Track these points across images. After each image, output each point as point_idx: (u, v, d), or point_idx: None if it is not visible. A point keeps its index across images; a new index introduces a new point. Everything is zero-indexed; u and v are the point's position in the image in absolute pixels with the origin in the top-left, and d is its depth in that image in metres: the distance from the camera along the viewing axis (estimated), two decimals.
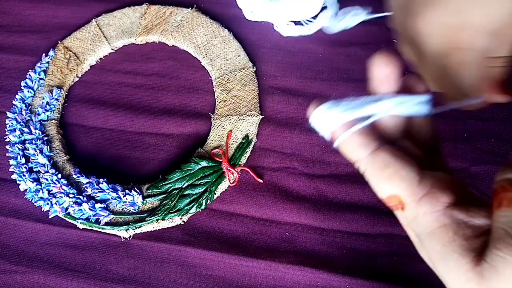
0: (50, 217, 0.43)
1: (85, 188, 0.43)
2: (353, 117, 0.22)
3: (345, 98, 0.22)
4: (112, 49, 0.53)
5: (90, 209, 0.42)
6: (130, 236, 0.42)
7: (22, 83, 0.50)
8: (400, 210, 0.21)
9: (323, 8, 0.50)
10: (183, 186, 0.43)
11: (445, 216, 0.20)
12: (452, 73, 0.23)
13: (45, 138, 0.47)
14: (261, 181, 0.43)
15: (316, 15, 0.50)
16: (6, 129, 0.48)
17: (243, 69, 0.49)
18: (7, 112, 0.48)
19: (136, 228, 0.42)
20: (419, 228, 0.21)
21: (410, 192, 0.20)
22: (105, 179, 0.43)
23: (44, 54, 0.52)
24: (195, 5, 0.54)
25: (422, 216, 0.20)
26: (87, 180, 0.43)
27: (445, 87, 0.24)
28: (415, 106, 0.22)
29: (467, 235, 0.19)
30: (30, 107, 0.49)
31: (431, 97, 0.22)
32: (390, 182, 0.20)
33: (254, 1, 0.50)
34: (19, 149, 0.46)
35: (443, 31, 0.22)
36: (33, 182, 0.44)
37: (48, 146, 0.46)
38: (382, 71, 0.22)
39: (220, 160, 0.43)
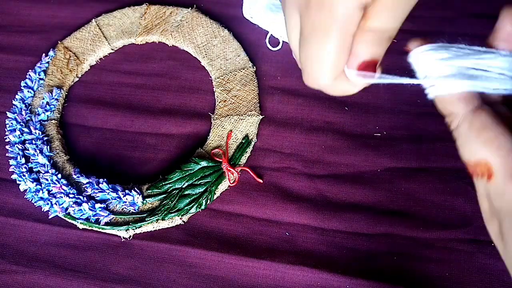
0: (50, 217, 0.43)
1: (85, 188, 0.43)
2: (460, 67, 0.19)
3: (455, 44, 0.20)
4: (112, 49, 0.53)
5: (90, 209, 0.42)
6: (130, 236, 0.42)
7: (22, 83, 0.50)
8: (484, 178, 0.19)
9: None
10: (183, 186, 0.43)
11: None
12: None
13: (45, 138, 0.47)
14: (261, 181, 0.43)
15: None
16: (6, 129, 0.48)
17: (243, 69, 0.49)
18: (7, 112, 0.48)
19: (136, 228, 0.42)
20: (503, 204, 0.19)
21: (505, 163, 0.18)
22: (105, 179, 0.43)
23: (44, 54, 0.52)
24: (195, 5, 0.54)
25: (511, 194, 0.18)
26: (87, 180, 0.43)
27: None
28: None
29: None
30: (30, 107, 0.49)
31: None
32: (486, 146, 0.19)
33: (258, 4, 0.49)
34: (19, 149, 0.46)
35: None
36: (33, 182, 0.44)
37: (48, 146, 0.46)
38: (509, 28, 0.20)
39: (220, 160, 0.43)
